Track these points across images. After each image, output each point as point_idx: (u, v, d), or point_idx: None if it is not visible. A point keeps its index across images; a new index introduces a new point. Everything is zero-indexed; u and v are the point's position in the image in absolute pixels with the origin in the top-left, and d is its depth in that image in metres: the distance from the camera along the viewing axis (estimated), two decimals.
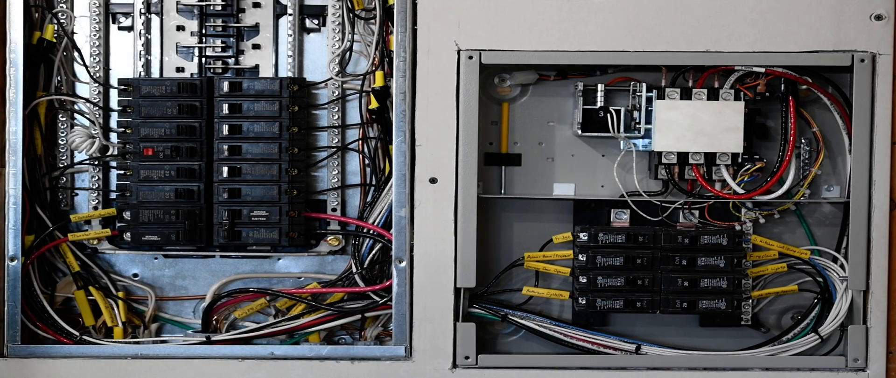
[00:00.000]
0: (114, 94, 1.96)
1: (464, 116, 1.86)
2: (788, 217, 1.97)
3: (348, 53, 1.96)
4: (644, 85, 1.90)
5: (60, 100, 1.94)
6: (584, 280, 1.88)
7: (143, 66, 1.96)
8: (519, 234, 1.97)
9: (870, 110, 1.86)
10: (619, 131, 1.90)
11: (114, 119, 1.96)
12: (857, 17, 1.85)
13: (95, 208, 1.96)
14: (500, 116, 1.95)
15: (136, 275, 2.01)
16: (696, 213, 1.95)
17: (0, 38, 1.87)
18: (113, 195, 1.96)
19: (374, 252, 1.95)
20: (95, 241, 1.96)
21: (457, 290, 1.89)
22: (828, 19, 1.85)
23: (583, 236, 1.89)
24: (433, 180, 1.87)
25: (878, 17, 1.85)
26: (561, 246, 1.94)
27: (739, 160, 1.90)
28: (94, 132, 1.94)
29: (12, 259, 1.88)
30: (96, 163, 1.95)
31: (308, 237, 1.96)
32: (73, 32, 1.95)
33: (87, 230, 1.96)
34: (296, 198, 1.91)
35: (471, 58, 1.85)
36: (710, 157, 1.89)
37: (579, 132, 1.91)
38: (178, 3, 1.96)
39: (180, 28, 1.97)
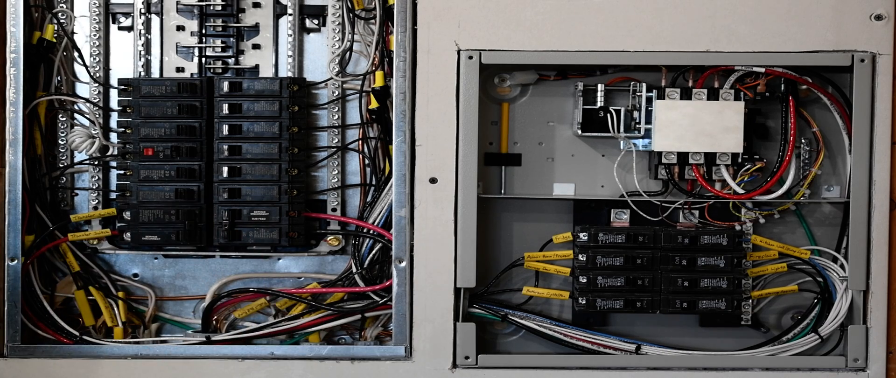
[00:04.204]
0: (114, 94, 1.96)
1: (464, 116, 1.86)
2: (788, 217, 1.97)
3: (348, 53, 1.96)
4: (644, 85, 1.90)
5: (60, 100, 1.94)
6: (584, 280, 1.88)
7: (143, 66, 1.96)
8: (519, 234, 1.96)
9: (870, 110, 1.86)
10: (619, 131, 1.90)
11: (114, 119, 1.96)
12: (857, 17, 1.85)
13: (95, 208, 1.96)
14: (500, 116, 1.95)
15: (136, 275, 2.01)
16: (696, 213, 1.95)
17: (0, 38, 1.87)
18: (113, 195, 1.96)
19: (374, 252, 1.95)
20: (95, 241, 1.96)
21: (457, 290, 1.89)
22: (828, 19, 1.85)
23: (583, 236, 1.89)
24: (433, 180, 1.87)
25: (878, 17, 1.85)
26: (561, 246, 1.94)
27: (739, 160, 1.90)
28: (94, 132, 1.94)
29: (12, 259, 1.88)
30: (96, 163, 1.95)
31: (308, 237, 1.96)
32: (73, 32, 1.95)
33: (87, 230, 1.96)
34: (296, 198, 1.91)
35: (471, 58, 1.85)
36: (710, 157, 1.89)
37: (579, 132, 1.91)
38: (178, 3, 1.96)
39: (180, 28, 1.97)
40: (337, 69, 1.96)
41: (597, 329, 1.96)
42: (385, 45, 1.91)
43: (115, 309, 1.96)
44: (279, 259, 2.01)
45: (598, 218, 1.95)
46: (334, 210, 1.98)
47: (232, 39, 1.97)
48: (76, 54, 1.95)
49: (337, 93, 1.96)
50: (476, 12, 1.85)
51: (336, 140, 1.97)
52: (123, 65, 1.98)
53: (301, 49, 1.99)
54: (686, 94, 1.88)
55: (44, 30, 1.91)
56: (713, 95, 1.88)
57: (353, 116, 1.98)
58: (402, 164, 1.87)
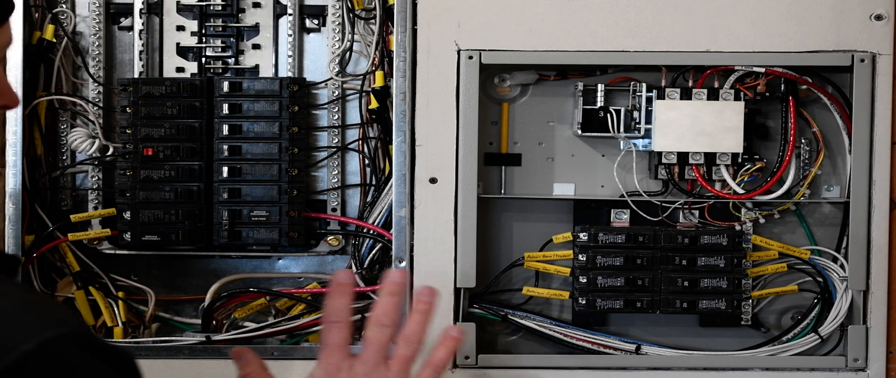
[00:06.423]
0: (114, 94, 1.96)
1: (464, 116, 1.86)
2: (788, 217, 1.97)
3: (348, 53, 1.96)
4: (644, 85, 1.90)
5: (61, 100, 1.94)
6: (584, 280, 1.88)
7: (143, 66, 1.96)
8: (519, 234, 1.96)
9: (870, 110, 1.86)
10: (619, 131, 1.90)
11: (114, 119, 1.96)
12: (857, 17, 1.85)
13: (95, 208, 1.96)
14: (500, 116, 1.95)
15: (136, 275, 2.01)
16: (696, 213, 1.95)
17: None
18: (113, 195, 1.96)
19: (374, 252, 1.95)
20: (95, 242, 1.96)
21: (457, 290, 1.89)
22: (828, 19, 1.85)
23: (583, 236, 1.89)
24: (433, 180, 1.87)
25: (878, 17, 1.85)
26: (561, 246, 1.94)
27: (739, 160, 1.90)
28: (94, 132, 1.94)
29: None
30: (96, 163, 1.95)
31: (308, 237, 1.96)
32: (73, 32, 1.95)
33: (87, 230, 1.96)
34: (296, 198, 1.91)
35: (471, 58, 1.85)
36: (710, 157, 1.89)
37: (579, 132, 1.91)
38: (178, 3, 1.96)
39: (180, 28, 1.97)
40: (337, 69, 1.96)
41: (597, 329, 1.96)
42: (385, 45, 1.91)
43: (115, 309, 1.96)
44: (279, 259, 2.01)
45: (598, 218, 1.95)
46: (334, 210, 1.98)
47: (232, 39, 1.97)
48: (76, 54, 1.95)
49: (337, 93, 1.96)
50: (476, 12, 1.85)
51: (336, 140, 1.97)
52: (123, 65, 1.98)
53: (301, 49, 1.99)
54: (686, 94, 1.88)
55: (44, 30, 1.91)
56: (713, 95, 1.88)
57: (353, 116, 1.98)
58: (402, 164, 1.87)
